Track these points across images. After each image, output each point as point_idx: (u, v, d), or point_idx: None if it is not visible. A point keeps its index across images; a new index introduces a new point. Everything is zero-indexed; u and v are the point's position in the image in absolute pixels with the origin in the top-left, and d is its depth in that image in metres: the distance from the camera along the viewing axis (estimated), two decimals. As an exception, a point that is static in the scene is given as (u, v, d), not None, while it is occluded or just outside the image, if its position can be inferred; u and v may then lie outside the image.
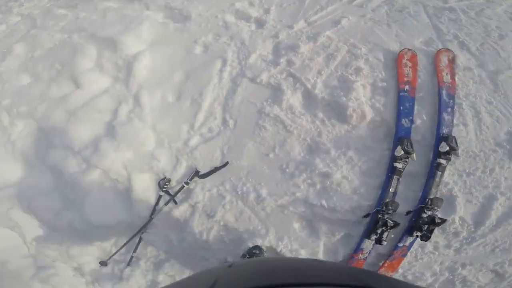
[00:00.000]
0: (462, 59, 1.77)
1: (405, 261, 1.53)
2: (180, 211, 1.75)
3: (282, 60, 1.81)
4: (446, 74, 1.69)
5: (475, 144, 1.53)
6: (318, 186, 1.59)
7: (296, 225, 1.61)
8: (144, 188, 1.81)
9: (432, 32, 1.91)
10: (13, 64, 2.26)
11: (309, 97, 1.70)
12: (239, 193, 1.67)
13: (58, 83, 2.12)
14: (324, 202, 1.55)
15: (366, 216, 1.46)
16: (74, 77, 2.10)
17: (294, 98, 1.70)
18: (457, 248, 1.50)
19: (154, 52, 2.07)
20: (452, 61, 1.76)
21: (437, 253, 1.52)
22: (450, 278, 1.51)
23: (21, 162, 1.93)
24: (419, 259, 1.54)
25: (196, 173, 1.69)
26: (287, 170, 1.65)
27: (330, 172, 1.58)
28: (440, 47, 1.81)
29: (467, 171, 1.51)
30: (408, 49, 1.77)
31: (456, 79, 1.70)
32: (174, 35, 2.15)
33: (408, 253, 1.52)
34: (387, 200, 1.44)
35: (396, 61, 1.75)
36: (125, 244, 1.77)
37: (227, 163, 1.69)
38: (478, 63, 1.77)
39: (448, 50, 1.78)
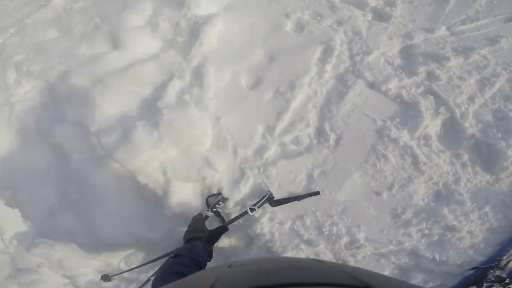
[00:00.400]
0: None
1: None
2: (230, 239, 1.31)
3: (421, 70, 1.29)
4: None
5: None
6: (435, 238, 1.26)
7: (387, 273, 1.30)
8: (185, 202, 1.25)
9: None
10: (44, 17, 1.78)
11: (454, 129, 1.22)
12: (324, 233, 1.24)
13: (91, 40, 1.58)
14: (437, 256, 1.24)
15: (472, 269, 1.27)
16: (115, 35, 1.54)
17: (432, 126, 1.17)
18: None
19: (231, 18, 1.50)
20: None
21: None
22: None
23: (14, 133, 1.35)
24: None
25: (270, 199, 1.18)
26: (402, 216, 1.24)
27: (458, 227, 1.23)
28: None
29: None
30: None
31: None
32: (259, 2, 1.59)
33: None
34: (504, 257, 1.24)
35: None
36: (147, 263, 1.26)
37: (317, 192, 1.19)
38: None
39: None
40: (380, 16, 1.51)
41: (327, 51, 1.37)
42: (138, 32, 1.48)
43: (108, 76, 1.37)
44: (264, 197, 1.18)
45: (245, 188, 1.24)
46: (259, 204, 1.17)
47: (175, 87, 1.32)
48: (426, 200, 1.23)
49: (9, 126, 1.35)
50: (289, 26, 1.48)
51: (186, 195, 1.26)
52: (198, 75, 1.34)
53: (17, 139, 1.36)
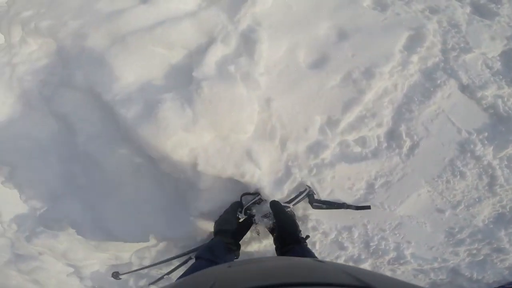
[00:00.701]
0: None
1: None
2: (260, 244, 1.15)
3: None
4: None
5: None
6: (480, 258, 1.17)
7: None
8: (215, 199, 1.02)
9: None
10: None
11: None
12: (371, 248, 1.11)
13: None
14: (475, 274, 1.18)
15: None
16: None
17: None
18: None
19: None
20: None
21: None
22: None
23: (15, 98, 1.09)
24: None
25: (310, 196, 1.01)
26: (458, 235, 1.13)
27: (508, 249, 1.15)
28: None
29: None
30: None
31: None
32: None
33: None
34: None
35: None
36: (163, 262, 1.11)
37: (368, 207, 1.04)
38: None
39: None
40: (482, 12, 1.25)
41: (416, 39, 1.11)
42: None
43: (131, 34, 1.07)
44: (302, 192, 0.99)
45: (289, 191, 1.01)
46: (295, 201, 0.98)
47: (217, 53, 1.05)
48: (486, 222, 1.13)
49: (9, 90, 1.08)
50: (367, 1, 1.19)
51: (217, 192, 1.02)
52: (248, 41, 1.06)
53: (18, 105, 1.13)
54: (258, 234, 1.07)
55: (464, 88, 1.09)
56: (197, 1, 1.17)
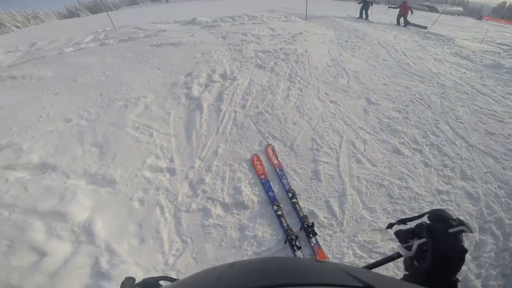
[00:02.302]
0: (276, 146, 3.52)
1: (324, 249, 2.56)
2: None
3: (199, 192, 3.07)
4: (274, 159, 3.30)
5: (303, 184, 3.04)
6: None
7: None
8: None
9: (259, 135, 3.73)
10: None
11: (224, 205, 2.99)
12: None
13: (16, 255, 2.36)
14: None
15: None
16: (35, 248, 2.42)
17: (217, 210, 2.96)
18: (341, 229, 2.77)
19: (101, 216, 2.79)
20: (274, 150, 3.44)
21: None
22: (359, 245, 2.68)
23: None
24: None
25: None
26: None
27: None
28: (265, 143, 3.54)
29: (308, 197, 2.93)
30: (254, 154, 3.38)
31: (279, 159, 3.32)
32: (110, 198, 2.95)
33: (321, 246, 2.60)
34: (287, 228, 2.92)
35: (252, 165, 3.38)
36: None
37: None
38: (283, 144, 3.56)
39: (269, 144, 3.50)
40: (171, 172, 3.26)
41: (161, 208, 2.94)
42: (50, 242, 2.50)
43: (57, 271, 2.35)
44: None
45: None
46: None
47: (103, 261, 2.51)
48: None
49: None
50: (136, 204, 2.94)
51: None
52: (110, 250, 2.58)
53: None
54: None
55: (186, 211, 2.98)
56: (73, 246, 2.57)
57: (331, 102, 4.53)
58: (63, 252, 2.50)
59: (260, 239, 2.75)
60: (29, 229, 2.51)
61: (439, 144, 3.64)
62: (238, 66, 5.60)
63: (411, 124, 4.00)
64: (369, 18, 12.87)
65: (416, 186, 3.15)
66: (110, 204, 2.90)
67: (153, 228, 2.78)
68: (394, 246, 2.73)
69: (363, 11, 12.97)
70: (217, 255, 2.74)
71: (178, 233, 2.80)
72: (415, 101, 4.60)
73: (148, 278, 0.96)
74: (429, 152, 3.52)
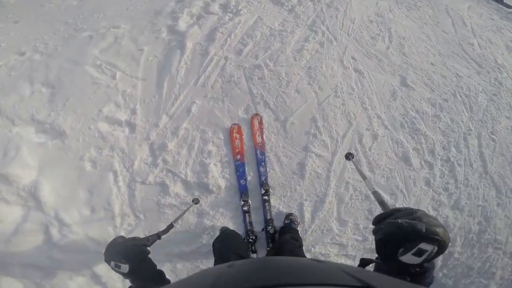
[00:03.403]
0: (266, 117, 2.85)
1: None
2: None
3: (159, 161, 2.66)
4: (258, 136, 2.75)
5: (282, 178, 2.68)
6: None
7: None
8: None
9: (248, 97, 2.96)
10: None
11: (186, 184, 2.67)
12: None
13: None
14: None
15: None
16: None
17: (177, 188, 2.64)
18: (303, 236, 2.56)
19: (49, 178, 2.54)
20: (261, 122, 2.80)
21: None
22: (312, 256, 2.58)
23: None
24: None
25: None
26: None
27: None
28: (254, 111, 2.85)
29: (283, 194, 2.66)
30: (234, 124, 2.76)
31: (264, 137, 2.77)
32: (59, 155, 2.64)
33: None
34: (248, 228, 2.58)
35: (229, 137, 2.78)
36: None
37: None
38: (275, 117, 2.86)
39: (257, 114, 2.81)
40: (131, 127, 2.72)
41: (114, 174, 2.62)
42: None
43: (10, 237, 2.39)
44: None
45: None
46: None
47: (53, 230, 2.46)
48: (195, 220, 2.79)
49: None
50: (87, 166, 2.62)
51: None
52: (59, 220, 2.47)
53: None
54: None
55: (142, 183, 2.63)
56: (22, 211, 2.48)
57: (356, 71, 3.39)
58: (13, 217, 2.45)
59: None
60: None
61: (455, 162, 2.98)
62: (248, -5, 4.05)
63: (438, 127, 3.14)
64: None
65: (402, 206, 2.59)
66: (59, 162, 2.62)
67: (105, 198, 2.60)
68: (343, 261, 2.69)
69: None
70: (169, 236, 2.58)
71: (131, 207, 2.63)
72: (458, 97, 3.46)
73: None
74: (439, 169, 2.93)
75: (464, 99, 3.41)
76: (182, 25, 3.43)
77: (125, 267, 1.06)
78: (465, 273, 2.72)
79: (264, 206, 2.61)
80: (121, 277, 2.28)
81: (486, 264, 2.70)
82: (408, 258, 0.67)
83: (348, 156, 2.05)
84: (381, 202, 1.05)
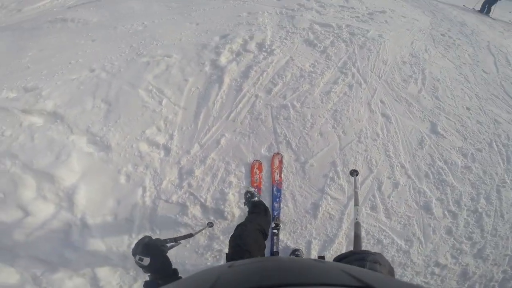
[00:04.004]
0: (286, 157, 3.03)
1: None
2: None
3: (185, 184, 2.92)
4: (277, 174, 2.93)
5: (294, 215, 2.76)
6: None
7: None
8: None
9: (273, 136, 3.20)
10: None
11: (204, 208, 2.85)
12: None
13: (5, 210, 2.63)
14: None
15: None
16: (22, 206, 2.66)
17: (195, 210, 2.82)
18: None
19: (87, 183, 2.87)
20: (281, 161, 3.00)
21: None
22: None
23: None
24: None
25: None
26: None
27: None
28: (276, 150, 3.06)
29: (292, 231, 2.69)
30: (256, 160, 3.02)
31: (282, 175, 2.93)
32: (101, 166, 3.00)
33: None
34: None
35: (250, 171, 3.02)
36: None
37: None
38: (296, 157, 3.03)
39: (278, 153, 3.03)
40: (166, 150, 3.10)
41: (144, 189, 2.90)
42: (36, 202, 2.68)
43: (34, 231, 2.56)
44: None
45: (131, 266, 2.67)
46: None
47: (74, 231, 2.63)
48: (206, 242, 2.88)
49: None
50: (122, 179, 2.97)
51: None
52: (84, 222, 2.67)
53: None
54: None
55: (166, 201, 2.88)
56: (54, 209, 2.73)
57: (383, 115, 3.46)
58: (45, 214, 2.71)
59: (223, 256, 2.60)
60: (22, 185, 2.72)
61: (484, 212, 2.81)
62: (282, 36, 4.60)
63: (468, 179, 3.00)
64: (490, 14, 9.14)
65: (417, 253, 2.62)
66: (99, 172, 2.99)
67: (129, 209, 2.82)
68: None
69: (487, 4, 9.12)
70: (178, 254, 2.68)
71: (150, 221, 2.82)
72: (494, 146, 3.28)
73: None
74: (464, 219, 2.78)
75: (501, 149, 3.20)
76: (223, 60, 3.94)
77: (147, 260, 1.25)
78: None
79: (272, 239, 2.67)
80: (118, 283, 2.36)
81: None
82: None
83: (353, 173, 2.13)
84: (357, 236, 1.13)
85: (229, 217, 2.79)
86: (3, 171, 2.76)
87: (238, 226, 1.88)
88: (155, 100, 3.54)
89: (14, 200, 2.65)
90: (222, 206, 2.82)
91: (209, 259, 2.61)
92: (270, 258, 0.99)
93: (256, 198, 2.59)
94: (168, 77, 3.82)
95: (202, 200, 2.85)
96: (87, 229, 2.66)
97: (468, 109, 3.61)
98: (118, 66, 4.04)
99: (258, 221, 1.99)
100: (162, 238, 1.54)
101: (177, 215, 2.80)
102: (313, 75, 3.85)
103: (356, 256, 0.79)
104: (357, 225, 1.32)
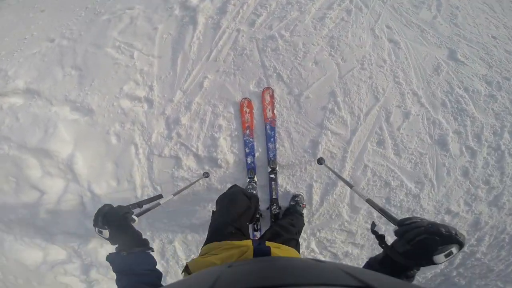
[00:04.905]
0: (278, 91, 2.66)
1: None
2: None
3: (174, 134, 2.76)
4: (269, 110, 2.62)
5: (292, 156, 2.56)
6: None
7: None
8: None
9: (261, 70, 2.76)
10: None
11: (197, 158, 2.74)
12: None
13: (24, 193, 2.88)
14: None
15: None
16: (34, 185, 2.85)
17: (189, 161, 2.72)
18: (308, 218, 2.57)
19: (82, 151, 2.88)
20: (272, 96, 2.63)
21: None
22: (317, 240, 2.65)
23: None
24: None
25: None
26: None
27: None
28: (266, 85, 2.67)
29: (291, 174, 2.58)
30: (245, 98, 2.67)
31: (275, 112, 2.62)
32: (89, 131, 2.94)
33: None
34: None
35: (239, 111, 2.68)
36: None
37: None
38: (288, 90, 2.65)
39: (268, 88, 2.65)
40: (149, 103, 2.83)
41: (136, 147, 2.81)
42: (45, 179, 2.85)
43: (58, 204, 2.83)
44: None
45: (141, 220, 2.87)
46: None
47: (87, 200, 2.81)
48: (204, 186, 2.84)
49: None
50: (112, 139, 2.89)
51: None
52: (91, 191, 2.80)
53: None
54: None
55: (159, 155, 2.77)
56: (63, 183, 2.88)
57: (390, 41, 2.77)
58: (56, 190, 2.90)
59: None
60: (26, 167, 2.82)
61: (506, 151, 2.40)
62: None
63: (492, 109, 2.49)
64: None
65: (428, 198, 2.35)
66: (89, 137, 2.95)
67: (128, 170, 2.88)
68: (349, 250, 2.58)
69: None
70: (182, 208, 2.76)
71: (150, 179, 2.85)
72: None
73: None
74: (484, 158, 2.42)
75: (533, 78, 2.65)
76: (193, 0, 3.31)
77: (106, 233, 1.11)
78: (483, 275, 2.45)
79: (270, 185, 2.53)
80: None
81: (509, 268, 2.43)
82: (439, 258, 0.72)
83: (320, 160, 2.12)
84: (381, 210, 1.03)
85: (223, 164, 2.65)
86: (4, 155, 2.88)
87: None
88: (126, 55, 3.11)
89: (26, 182, 2.85)
90: (215, 154, 2.65)
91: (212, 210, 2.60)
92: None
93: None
94: (135, 29, 3.25)
95: (194, 150, 2.70)
96: (97, 198, 2.83)
97: (494, 38, 2.84)
98: (78, 30, 3.50)
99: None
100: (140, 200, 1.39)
101: (173, 169, 2.76)
102: (302, 1, 3.01)
103: (426, 221, 0.77)
104: (370, 202, 1.16)
